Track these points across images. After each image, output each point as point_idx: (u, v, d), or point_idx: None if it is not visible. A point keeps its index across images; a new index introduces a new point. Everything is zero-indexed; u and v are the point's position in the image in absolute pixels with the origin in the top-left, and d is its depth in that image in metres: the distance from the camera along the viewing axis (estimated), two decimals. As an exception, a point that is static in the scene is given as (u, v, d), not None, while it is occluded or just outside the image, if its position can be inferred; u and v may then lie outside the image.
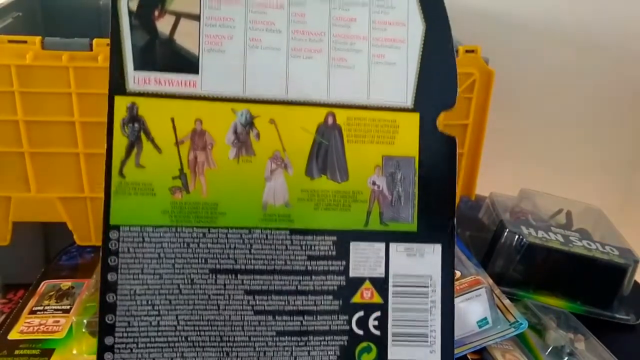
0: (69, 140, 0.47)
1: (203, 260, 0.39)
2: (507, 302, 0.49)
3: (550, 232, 0.56)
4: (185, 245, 0.39)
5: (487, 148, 0.54)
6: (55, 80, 0.46)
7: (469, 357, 0.45)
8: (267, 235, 0.40)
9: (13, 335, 0.44)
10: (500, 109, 0.56)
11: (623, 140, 0.87)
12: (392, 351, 0.41)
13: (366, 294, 0.41)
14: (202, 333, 0.39)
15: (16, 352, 0.43)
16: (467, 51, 0.51)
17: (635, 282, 0.55)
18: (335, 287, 0.41)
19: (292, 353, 0.40)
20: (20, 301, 0.49)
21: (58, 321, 0.46)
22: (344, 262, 0.41)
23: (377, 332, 0.41)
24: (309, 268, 0.41)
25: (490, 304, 0.46)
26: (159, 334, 0.39)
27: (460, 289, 0.46)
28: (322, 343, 0.40)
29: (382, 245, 0.41)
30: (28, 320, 0.46)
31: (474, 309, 0.46)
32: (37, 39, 0.45)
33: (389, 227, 0.42)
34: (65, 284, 0.50)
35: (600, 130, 0.86)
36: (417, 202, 0.42)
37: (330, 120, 0.41)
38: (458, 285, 0.46)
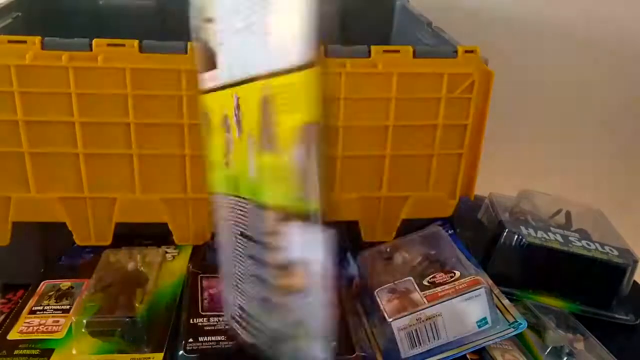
0: (69, 140, 0.47)
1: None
2: (506, 302, 0.49)
3: (549, 232, 0.56)
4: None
5: (486, 148, 0.54)
6: (55, 81, 0.46)
7: (468, 357, 0.45)
8: None
9: (13, 335, 0.44)
10: (500, 109, 0.56)
11: (623, 141, 0.87)
12: None
13: None
14: None
15: (16, 352, 0.43)
16: (466, 51, 0.51)
17: (635, 282, 0.55)
18: None
19: None
20: (20, 301, 0.49)
21: (58, 321, 0.46)
22: None
23: None
24: None
25: (489, 304, 0.46)
26: None
27: (459, 289, 0.46)
28: None
29: None
30: (28, 321, 0.46)
31: (473, 309, 0.46)
32: (37, 39, 0.45)
33: None
34: (65, 284, 0.50)
35: (600, 131, 0.86)
36: None
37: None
38: (457, 285, 0.46)
